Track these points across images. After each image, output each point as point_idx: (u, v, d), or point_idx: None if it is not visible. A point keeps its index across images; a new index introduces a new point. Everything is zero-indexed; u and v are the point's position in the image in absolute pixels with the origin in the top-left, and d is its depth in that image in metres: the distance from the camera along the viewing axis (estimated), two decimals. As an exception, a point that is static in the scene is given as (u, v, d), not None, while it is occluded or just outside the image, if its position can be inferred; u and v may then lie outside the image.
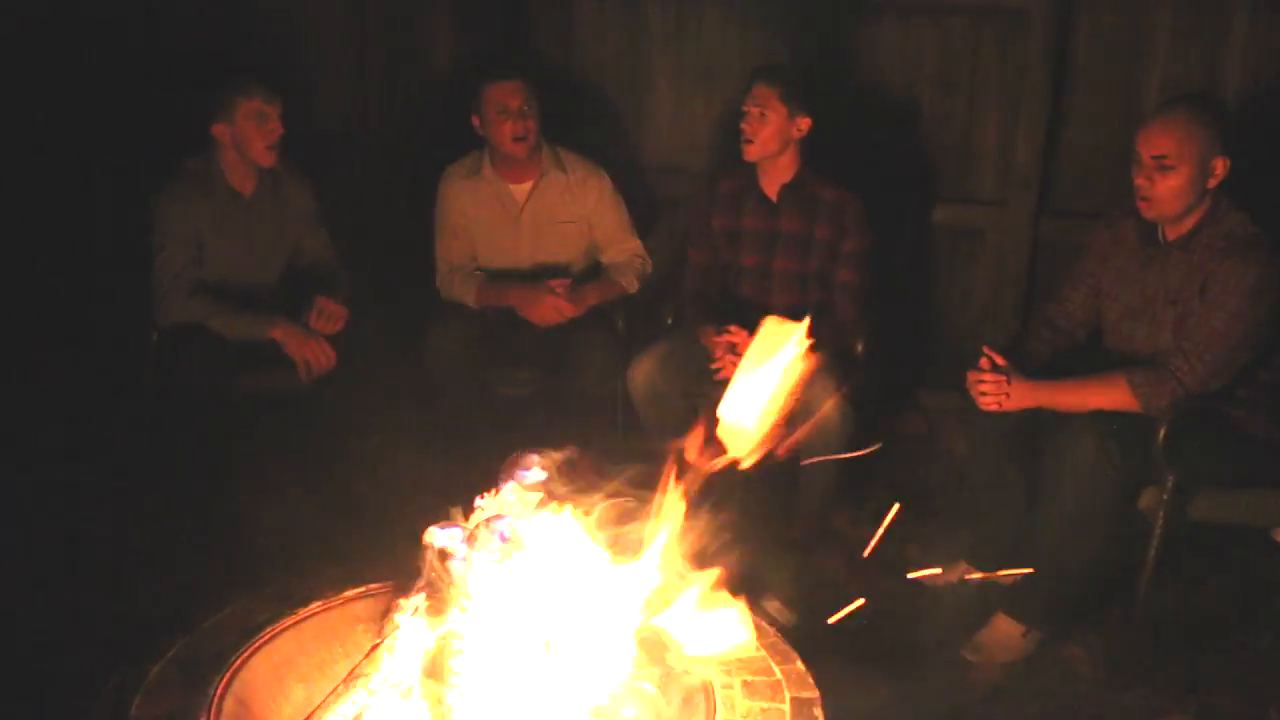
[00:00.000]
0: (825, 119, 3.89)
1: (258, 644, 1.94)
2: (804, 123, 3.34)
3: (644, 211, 3.98)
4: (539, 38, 4.37)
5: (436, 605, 1.72)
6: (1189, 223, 2.80)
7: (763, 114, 3.30)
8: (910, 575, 3.16)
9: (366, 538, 2.77)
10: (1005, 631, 2.86)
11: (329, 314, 3.35)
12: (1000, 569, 3.08)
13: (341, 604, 2.08)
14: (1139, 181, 2.77)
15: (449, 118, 3.81)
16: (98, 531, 3.20)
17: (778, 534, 3.38)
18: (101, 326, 3.74)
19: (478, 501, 1.83)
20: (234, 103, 3.31)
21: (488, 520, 1.74)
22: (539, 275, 3.69)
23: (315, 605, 2.06)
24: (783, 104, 3.30)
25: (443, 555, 1.76)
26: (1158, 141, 2.72)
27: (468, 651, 1.69)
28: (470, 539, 1.73)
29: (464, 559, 1.73)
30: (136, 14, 4.28)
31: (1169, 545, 2.81)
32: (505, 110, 3.52)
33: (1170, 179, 2.72)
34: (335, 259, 3.64)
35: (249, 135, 3.33)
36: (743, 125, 3.34)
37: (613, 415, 3.60)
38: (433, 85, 4.43)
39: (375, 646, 1.74)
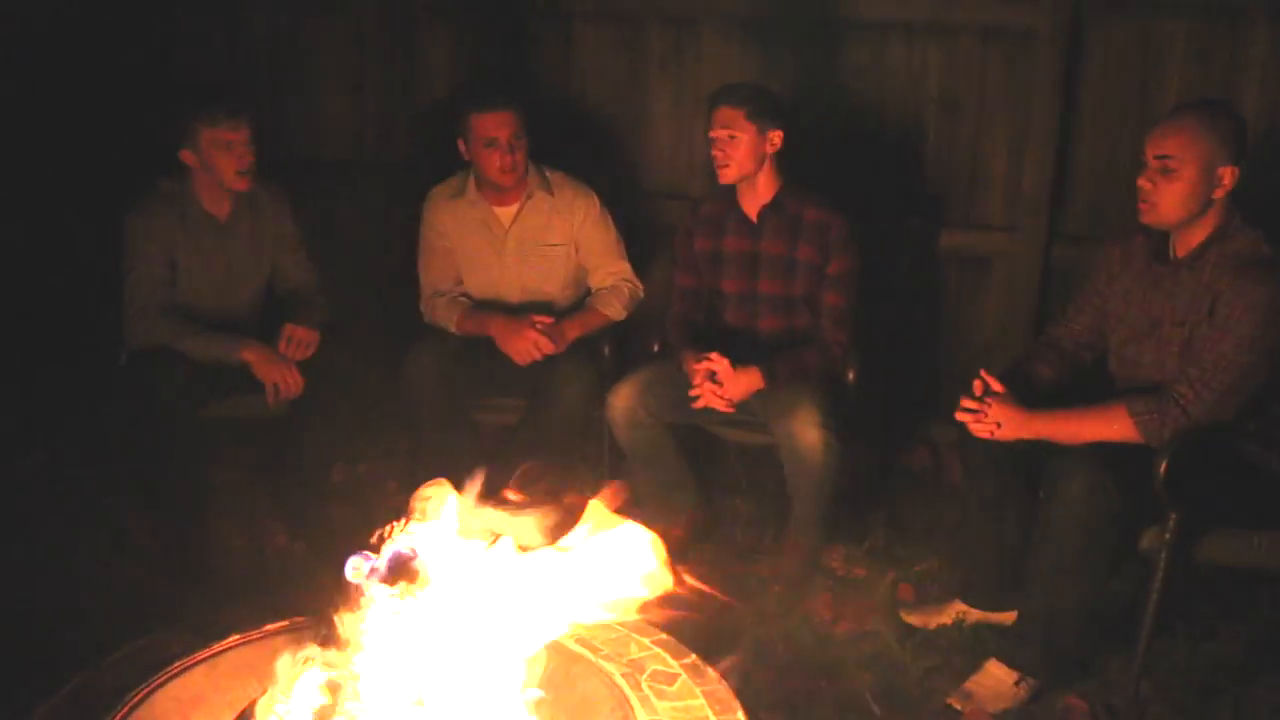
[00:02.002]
0: (827, 142, 3.79)
1: (163, 678, 1.82)
2: (776, 136, 3.22)
3: (644, 237, 3.88)
4: (538, 63, 4.30)
5: (335, 643, 1.60)
6: (1197, 237, 2.64)
7: (732, 136, 3.17)
8: (904, 616, 3.02)
9: (334, 568, 2.67)
10: (997, 678, 2.68)
11: (297, 340, 3.28)
12: (995, 610, 2.92)
13: (262, 637, 1.96)
14: (1140, 183, 2.63)
15: (447, 144, 3.73)
16: (50, 556, 3.11)
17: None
18: (70, 347, 3.68)
19: (387, 533, 1.71)
20: (197, 131, 3.23)
21: (390, 553, 1.62)
22: (525, 301, 3.59)
23: (234, 638, 1.95)
24: (750, 122, 3.17)
25: (349, 590, 1.64)
26: (1162, 142, 2.59)
27: (361, 692, 1.57)
28: (371, 573, 1.61)
29: (365, 594, 1.60)
30: (137, 41, 4.29)
31: (1174, 589, 2.62)
32: (493, 142, 3.42)
33: (1172, 183, 2.57)
34: (315, 282, 3.56)
35: (218, 162, 3.25)
36: (714, 152, 3.21)
37: (598, 442, 3.49)
38: (431, 112, 4.37)
39: (269, 687, 1.62)
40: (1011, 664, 2.67)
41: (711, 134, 3.21)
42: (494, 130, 3.40)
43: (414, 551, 1.62)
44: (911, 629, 2.97)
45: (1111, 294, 2.85)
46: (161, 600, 2.86)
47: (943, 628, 2.95)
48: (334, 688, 1.60)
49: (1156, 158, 2.59)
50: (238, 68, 4.50)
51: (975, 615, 2.96)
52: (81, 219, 3.67)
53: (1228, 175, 2.57)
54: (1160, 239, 2.74)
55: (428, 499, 1.70)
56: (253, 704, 1.67)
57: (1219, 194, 2.59)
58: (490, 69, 4.28)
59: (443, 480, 1.72)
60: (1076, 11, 3.60)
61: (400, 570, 1.58)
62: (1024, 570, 2.72)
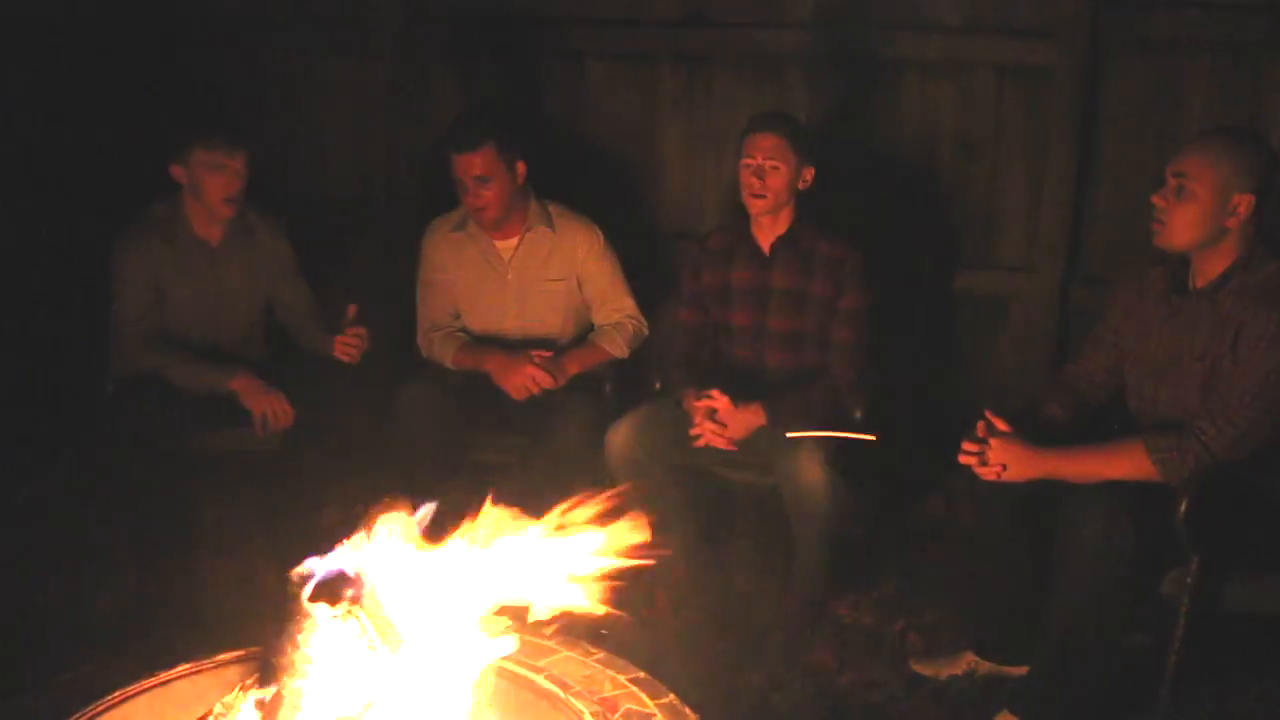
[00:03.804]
0: (842, 181, 3.70)
1: (102, 707, 1.71)
2: (809, 173, 3.13)
3: (654, 277, 3.79)
4: (549, 102, 4.27)
5: (273, 671, 1.49)
6: (1216, 268, 2.52)
7: (775, 166, 3.06)
8: (913, 665, 2.87)
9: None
10: (1010, 734, 2.52)
11: (352, 335, 3.32)
12: (1009, 664, 2.76)
13: (214, 667, 1.86)
14: (1155, 199, 2.54)
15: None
16: (23, 586, 3.02)
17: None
18: (56, 374, 3.63)
19: (336, 552, 1.61)
20: (191, 149, 3.20)
21: (329, 574, 1.51)
22: (525, 337, 3.51)
23: (183, 667, 1.84)
24: (793, 152, 3.07)
25: (292, 614, 1.54)
26: (1182, 161, 2.50)
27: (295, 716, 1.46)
28: (312, 596, 1.51)
29: (305, 617, 1.50)
30: (151, 79, 4.31)
31: (1198, 639, 2.46)
32: (459, 181, 3.36)
33: (1185, 204, 2.48)
34: (314, 310, 3.51)
35: (204, 183, 3.21)
36: (751, 179, 3.08)
37: (600, 482, 3.37)
38: (440, 150, 4.33)
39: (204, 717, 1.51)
40: (1024, 717, 2.51)
41: (750, 161, 3.08)
42: (459, 169, 3.34)
43: (354, 570, 1.51)
44: (921, 679, 2.82)
45: (1127, 330, 2.74)
46: (132, 634, 2.76)
47: (953, 678, 2.80)
48: (267, 712, 1.49)
49: (1174, 175, 2.51)
50: (250, 105, 4.50)
51: (988, 665, 2.80)
52: (73, 242, 3.64)
53: (1243, 204, 2.46)
54: (1179, 269, 2.63)
55: (385, 519, 1.60)
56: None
57: (1232, 223, 2.47)
58: (476, 106, 4.21)
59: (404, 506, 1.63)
60: (1094, 49, 3.53)
61: (336, 588, 1.48)
62: (1039, 621, 2.58)
